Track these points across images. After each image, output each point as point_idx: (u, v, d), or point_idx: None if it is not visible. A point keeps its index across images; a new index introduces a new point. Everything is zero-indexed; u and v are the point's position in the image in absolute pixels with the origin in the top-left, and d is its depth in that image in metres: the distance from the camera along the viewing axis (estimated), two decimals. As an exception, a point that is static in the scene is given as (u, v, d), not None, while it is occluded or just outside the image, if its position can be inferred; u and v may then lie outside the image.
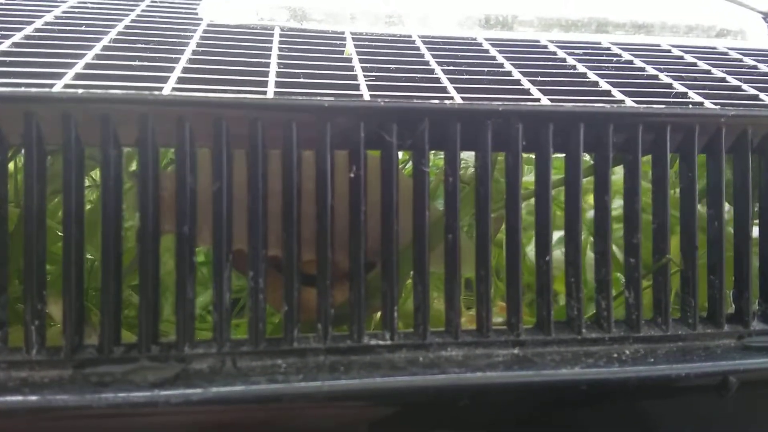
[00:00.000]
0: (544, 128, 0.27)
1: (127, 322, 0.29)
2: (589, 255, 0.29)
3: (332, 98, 0.26)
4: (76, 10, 0.39)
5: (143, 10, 0.40)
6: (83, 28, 0.35)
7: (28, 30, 0.34)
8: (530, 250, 0.33)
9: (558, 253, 0.29)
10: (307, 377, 0.24)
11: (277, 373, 0.24)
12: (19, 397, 0.23)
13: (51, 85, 0.25)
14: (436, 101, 0.27)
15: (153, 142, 0.24)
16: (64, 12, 0.39)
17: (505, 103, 0.27)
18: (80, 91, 0.24)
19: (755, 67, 0.39)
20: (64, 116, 0.24)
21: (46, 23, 0.36)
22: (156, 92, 0.25)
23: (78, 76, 0.27)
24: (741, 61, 0.40)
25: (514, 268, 0.27)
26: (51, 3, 0.40)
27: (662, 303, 0.28)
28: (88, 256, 0.32)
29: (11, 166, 0.32)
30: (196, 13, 0.40)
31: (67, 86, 0.26)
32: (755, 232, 0.30)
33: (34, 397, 0.23)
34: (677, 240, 0.29)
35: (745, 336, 0.29)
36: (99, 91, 0.24)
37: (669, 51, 0.41)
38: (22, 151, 0.28)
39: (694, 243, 0.28)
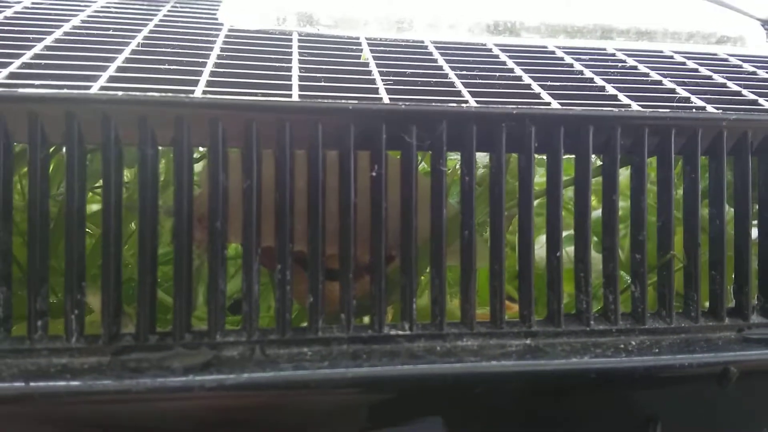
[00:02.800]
0: (555, 130, 0.28)
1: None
2: (595, 255, 0.31)
3: (355, 101, 0.27)
4: (100, 14, 0.41)
5: (165, 15, 0.42)
6: (110, 32, 0.36)
7: (58, 34, 0.35)
8: (538, 248, 0.34)
9: (564, 253, 0.31)
10: (331, 364, 0.26)
11: (303, 360, 0.26)
12: (62, 382, 0.24)
13: (87, 87, 0.27)
14: (454, 105, 0.28)
15: (188, 143, 0.26)
16: (89, 16, 0.40)
17: (519, 106, 0.28)
18: (120, 93, 0.25)
19: (754, 73, 0.40)
20: (104, 117, 0.25)
21: (74, 27, 0.37)
22: (191, 95, 0.26)
23: (112, 79, 0.28)
24: (741, 67, 0.41)
25: (527, 263, 0.28)
26: (75, 8, 0.42)
27: (666, 297, 0.29)
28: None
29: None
30: (216, 18, 0.42)
31: (103, 88, 0.27)
32: (755, 231, 0.31)
33: (75, 382, 0.24)
34: (680, 238, 0.31)
35: (744, 329, 0.30)
36: (138, 93, 0.26)
37: (671, 57, 0.42)
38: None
39: (697, 240, 0.29)
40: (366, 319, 0.30)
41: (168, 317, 0.27)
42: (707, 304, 0.31)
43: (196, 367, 0.25)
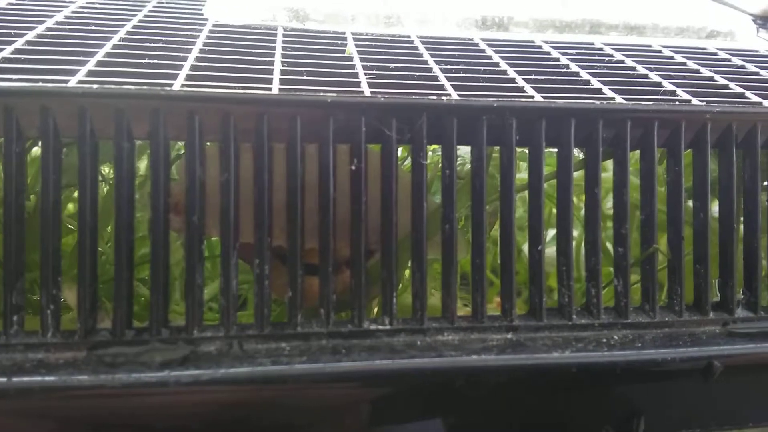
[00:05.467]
0: (537, 123, 0.28)
1: (136, 314, 0.30)
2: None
3: (335, 94, 0.27)
4: (85, 10, 0.41)
5: (150, 11, 0.41)
6: (93, 27, 0.36)
7: (40, 29, 0.35)
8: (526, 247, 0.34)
9: (553, 250, 0.30)
10: (310, 359, 0.25)
11: (281, 356, 0.25)
12: (37, 378, 0.24)
13: (66, 81, 0.26)
14: (434, 97, 0.28)
15: (164, 136, 0.26)
16: (73, 12, 0.40)
17: (500, 99, 0.28)
18: (95, 86, 0.25)
19: (743, 66, 0.40)
20: (80, 110, 0.25)
21: (57, 23, 0.37)
22: (167, 88, 0.26)
23: (91, 73, 0.28)
24: (729, 61, 0.41)
25: (508, 257, 0.28)
26: (60, 3, 0.41)
27: (650, 291, 0.29)
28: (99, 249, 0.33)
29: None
30: (202, 14, 0.41)
31: (81, 82, 0.27)
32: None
33: (50, 378, 0.24)
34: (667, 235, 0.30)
35: (729, 323, 0.30)
36: (113, 86, 0.25)
37: (660, 51, 0.42)
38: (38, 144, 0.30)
39: (681, 234, 0.29)
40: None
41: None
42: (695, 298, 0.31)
43: (173, 362, 0.25)
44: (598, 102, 0.29)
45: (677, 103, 0.31)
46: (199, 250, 0.26)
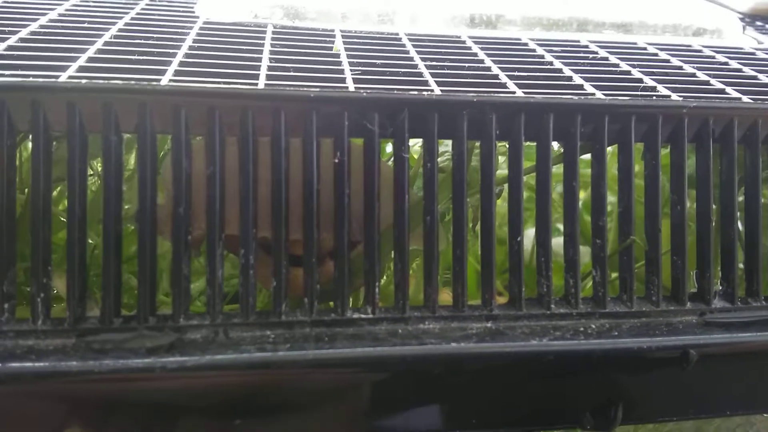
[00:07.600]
0: (516, 118, 0.29)
1: (125, 305, 0.31)
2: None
3: (318, 89, 0.28)
4: (78, 7, 0.41)
5: (142, 9, 0.42)
6: (85, 24, 0.37)
7: (33, 26, 0.36)
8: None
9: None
10: (293, 347, 0.26)
11: (266, 343, 0.26)
12: (27, 363, 0.25)
13: (56, 77, 0.27)
14: (415, 92, 0.29)
15: (151, 129, 0.26)
16: (66, 9, 0.40)
17: (480, 94, 0.29)
18: (84, 81, 0.26)
19: (726, 63, 0.40)
20: (69, 105, 0.26)
21: (50, 20, 0.38)
22: (154, 83, 0.27)
23: (81, 69, 0.29)
24: (713, 58, 0.42)
25: (488, 248, 0.28)
26: (54, 1, 0.42)
27: (627, 281, 0.30)
28: (89, 241, 0.34)
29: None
30: (193, 12, 0.42)
31: (71, 77, 0.27)
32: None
33: (40, 363, 0.25)
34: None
35: (706, 313, 0.30)
36: (101, 81, 0.26)
37: (645, 48, 0.43)
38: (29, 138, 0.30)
39: (658, 226, 0.30)
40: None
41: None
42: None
43: (159, 348, 0.25)
44: (576, 97, 0.30)
45: (654, 98, 0.31)
46: (186, 240, 0.27)
